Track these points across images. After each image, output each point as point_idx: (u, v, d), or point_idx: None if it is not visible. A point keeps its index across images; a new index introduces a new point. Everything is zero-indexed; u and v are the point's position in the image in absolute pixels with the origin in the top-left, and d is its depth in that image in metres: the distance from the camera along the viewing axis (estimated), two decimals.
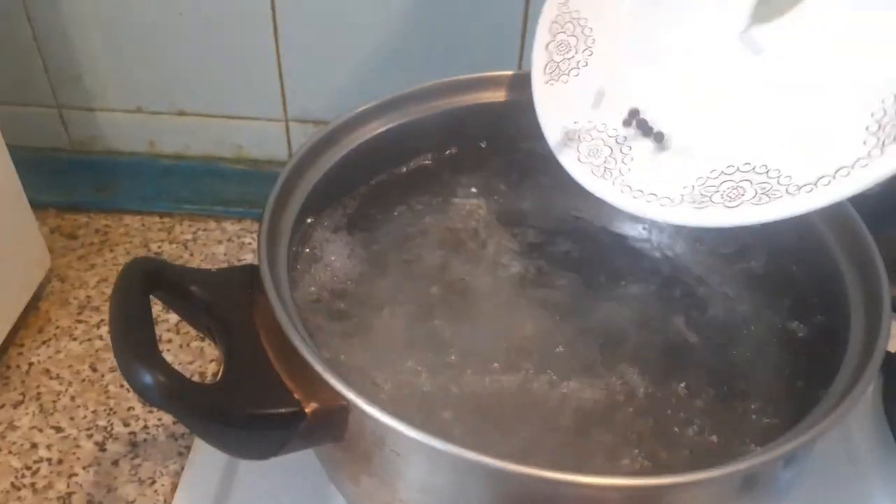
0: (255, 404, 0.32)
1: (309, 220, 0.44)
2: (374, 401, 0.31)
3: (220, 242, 0.69)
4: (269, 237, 0.38)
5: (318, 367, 0.32)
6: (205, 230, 0.70)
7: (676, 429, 0.40)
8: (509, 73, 0.51)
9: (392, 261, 0.46)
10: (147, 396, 0.30)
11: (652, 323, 0.45)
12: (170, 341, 0.59)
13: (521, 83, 0.49)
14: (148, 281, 0.35)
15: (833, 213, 0.43)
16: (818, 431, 0.32)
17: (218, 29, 0.65)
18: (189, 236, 0.69)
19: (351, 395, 0.31)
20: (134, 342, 0.31)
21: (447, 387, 0.39)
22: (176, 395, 0.31)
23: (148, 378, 0.30)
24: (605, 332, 0.43)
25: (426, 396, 0.39)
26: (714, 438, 0.39)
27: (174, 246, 0.68)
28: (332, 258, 0.44)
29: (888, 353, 0.50)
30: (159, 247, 0.68)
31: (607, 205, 0.41)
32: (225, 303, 0.36)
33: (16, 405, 0.54)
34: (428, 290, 0.45)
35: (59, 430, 0.53)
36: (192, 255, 0.67)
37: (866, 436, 0.51)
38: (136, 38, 0.66)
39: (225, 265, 0.66)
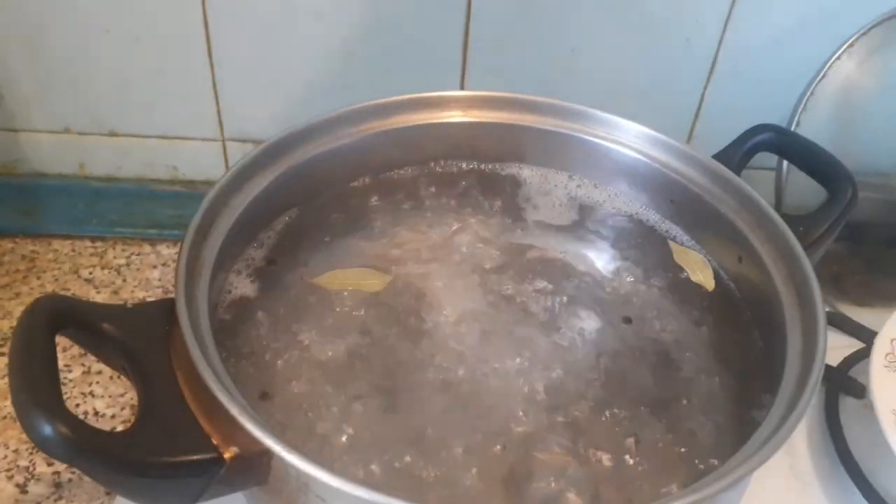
0: (170, 452, 0.31)
1: (235, 250, 0.42)
2: (294, 448, 0.29)
3: (154, 267, 0.66)
4: (188, 268, 0.36)
5: (235, 412, 0.30)
6: (139, 254, 0.67)
7: (613, 462, 0.39)
8: (450, 93, 0.50)
9: (319, 296, 0.44)
10: (48, 449, 0.28)
11: (591, 349, 0.44)
12: (99, 372, 0.56)
13: (459, 103, 0.49)
14: (54, 320, 0.32)
15: (768, 233, 0.43)
16: (764, 454, 0.32)
17: (149, 46, 0.63)
18: (122, 261, 0.66)
19: (270, 443, 0.29)
20: (33, 389, 0.29)
21: (374, 429, 0.37)
22: (80, 446, 0.28)
23: (48, 429, 0.28)
24: (538, 355, 0.42)
25: (354, 438, 0.37)
26: (652, 468, 0.38)
27: (106, 271, 0.65)
28: (255, 291, 0.42)
29: (828, 367, 0.51)
30: (90, 272, 0.65)
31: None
32: (140, 341, 0.34)
33: None
34: (358, 326, 0.43)
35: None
36: (125, 280, 0.65)
37: (810, 449, 0.51)
38: (61, 56, 0.63)
39: (159, 290, 0.64)
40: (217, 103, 0.66)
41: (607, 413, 0.39)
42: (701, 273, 0.46)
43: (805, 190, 0.67)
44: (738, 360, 0.42)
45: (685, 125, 0.68)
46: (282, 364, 0.40)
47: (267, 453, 0.31)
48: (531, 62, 0.64)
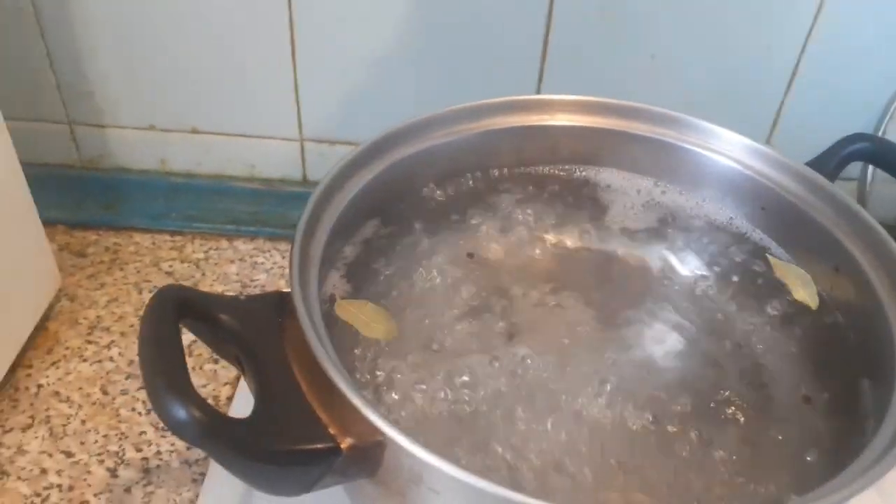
0: (291, 440, 0.31)
1: (339, 244, 0.43)
2: (414, 438, 0.30)
3: (232, 262, 0.67)
4: (300, 262, 0.37)
5: (356, 401, 0.30)
6: (216, 249, 0.69)
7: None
8: (542, 97, 0.51)
9: (425, 287, 0.45)
10: (182, 433, 0.29)
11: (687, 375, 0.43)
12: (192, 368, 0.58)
13: (550, 107, 0.49)
14: (178, 309, 0.33)
15: (868, 242, 0.43)
16: (870, 477, 0.31)
17: (232, 47, 0.64)
18: (201, 255, 0.68)
19: (391, 432, 0.30)
20: (167, 375, 0.30)
21: (483, 421, 0.38)
22: (212, 431, 0.29)
23: (183, 414, 0.29)
24: (644, 375, 0.42)
25: (462, 429, 0.38)
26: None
27: (186, 265, 0.67)
28: (364, 283, 0.42)
29: None
30: (170, 265, 0.67)
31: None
32: (255, 332, 0.35)
33: (25, 429, 0.53)
34: (463, 315, 0.43)
35: (69, 455, 0.51)
36: (203, 274, 0.66)
37: None
38: (148, 55, 0.65)
39: (237, 285, 0.65)
40: (298, 104, 0.68)
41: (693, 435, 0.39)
42: (804, 290, 0.45)
43: (887, 201, 0.66)
44: (842, 382, 0.42)
45: (763, 135, 0.68)
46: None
47: (381, 444, 0.31)
48: (609, 69, 0.65)
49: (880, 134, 0.62)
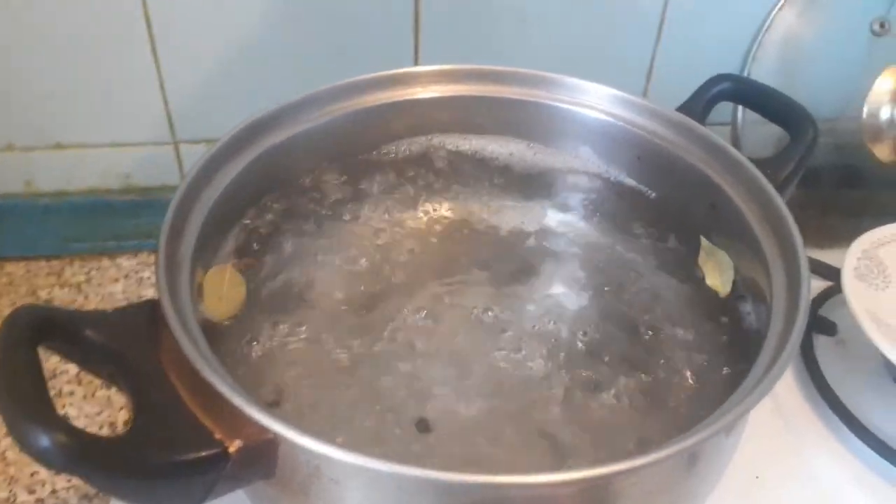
0: (173, 451, 0.30)
1: (211, 243, 0.41)
2: (305, 430, 0.28)
3: (116, 280, 0.64)
4: (167, 267, 0.35)
5: (238, 401, 0.29)
6: (98, 269, 0.65)
7: (612, 414, 0.39)
8: (410, 69, 0.50)
9: (303, 278, 0.43)
10: (47, 461, 0.27)
11: (575, 310, 0.44)
12: (72, 394, 0.54)
13: (419, 79, 0.48)
14: (35, 332, 0.31)
15: (738, 177, 0.44)
16: (760, 393, 0.32)
17: (90, 52, 0.60)
18: (82, 277, 0.64)
19: (279, 428, 0.29)
20: (24, 401, 0.27)
21: (371, 403, 0.37)
22: (81, 454, 0.27)
23: (45, 440, 0.26)
24: (528, 328, 0.43)
25: (353, 416, 0.37)
26: (651, 420, 0.39)
27: (66, 290, 0.63)
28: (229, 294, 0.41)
29: None
30: (49, 293, 0.63)
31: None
32: (126, 345, 0.33)
33: None
34: (343, 307, 0.42)
35: None
36: (86, 297, 0.63)
37: (790, 389, 0.53)
38: None
39: (124, 303, 0.61)
40: (166, 105, 0.64)
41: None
42: (719, 277, 0.44)
43: (759, 142, 0.69)
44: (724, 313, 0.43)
45: (639, 85, 0.69)
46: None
47: (273, 442, 0.30)
48: (482, 35, 0.64)
49: (746, 73, 0.64)
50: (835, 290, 0.58)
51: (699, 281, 0.45)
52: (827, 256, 0.60)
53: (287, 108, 0.45)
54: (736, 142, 0.65)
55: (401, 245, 0.47)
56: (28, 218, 0.67)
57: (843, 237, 0.65)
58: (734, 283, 0.43)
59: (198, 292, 0.39)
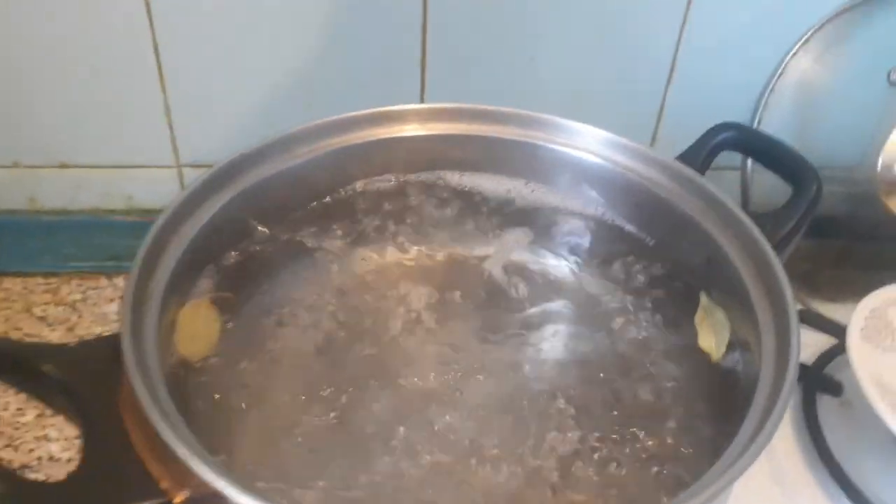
0: (114, 499, 0.29)
1: (187, 281, 0.40)
2: (248, 488, 0.27)
3: (111, 300, 0.64)
4: (133, 304, 0.34)
5: (183, 453, 0.28)
6: (95, 288, 0.65)
7: (597, 480, 0.37)
8: (406, 106, 0.49)
9: (280, 327, 0.42)
10: None
11: (561, 362, 0.42)
12: (54, 415, 0.54)
13: (416, 116, 0.48)
14: None
15: (736, 233, 0.42)
16: (741, 466, 0.30)
17: (98, 75, 0.61)
18: (78, 296, 0.64)
19: (220, 484, 0.28)
20: None
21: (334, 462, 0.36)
22: (16, 501, 0.26)
23: None
24: (505, 376, 0.41)
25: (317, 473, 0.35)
26: (634, 483, 0.37)
27: (61, 308, 0.63)
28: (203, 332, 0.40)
29: (803, 366, 0.50)
30: (43, 310, 0.62)
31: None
32: (84, 381, 0.32)
33: None
34: (319, 360, 0.41)
35: None
36: (80, 316, 0.62)
37: (789, 451, 0.50)
38: (6, 89, 0.61)
39: (117, 325, 0.61)
40: (171, 129, 0.65)
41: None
42: (713, 339, 0.42)
43: (771, 188, 0.67)
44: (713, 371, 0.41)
45: (649, 128, 0.68)
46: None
47: (217, 496, 0.29)
48: (490, 73, 0.64)
49: (758, 120, 0.63)
50: (842, 347, 0.56)
51: (692, 339, 0.43)
52: (838, 311, 0.58)
53: (272, 145, 0.44)
54: (745, 188, 0.63)
55: (385, 286, 0.46)
56: (29, 234, 0.67)
57: (856, 291, 0.63)
58: (728, 346, 0.41)
59: (171, 329, 0.39)
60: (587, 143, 0.49)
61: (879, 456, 0.50)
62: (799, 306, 0.57)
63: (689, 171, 0.45)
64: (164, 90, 0.62)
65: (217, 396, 0.38)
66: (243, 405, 0.38)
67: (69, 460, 0.51)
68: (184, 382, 0.38)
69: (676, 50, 0.63)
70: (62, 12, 0.58)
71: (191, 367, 0.39)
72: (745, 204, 0.64)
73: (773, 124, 0.64)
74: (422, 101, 0.65)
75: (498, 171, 0.50)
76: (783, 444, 0.51)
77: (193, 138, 0.65)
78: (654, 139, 0.68)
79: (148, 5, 0.57)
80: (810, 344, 0.56)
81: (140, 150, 0.66)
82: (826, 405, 0.53)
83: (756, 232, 0.41)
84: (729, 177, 0.66)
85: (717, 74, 0.64)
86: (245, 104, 0.63)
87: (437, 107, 0.48)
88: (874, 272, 0.58)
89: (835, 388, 0.54)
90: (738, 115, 0.65)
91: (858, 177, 0.65)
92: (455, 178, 0.51)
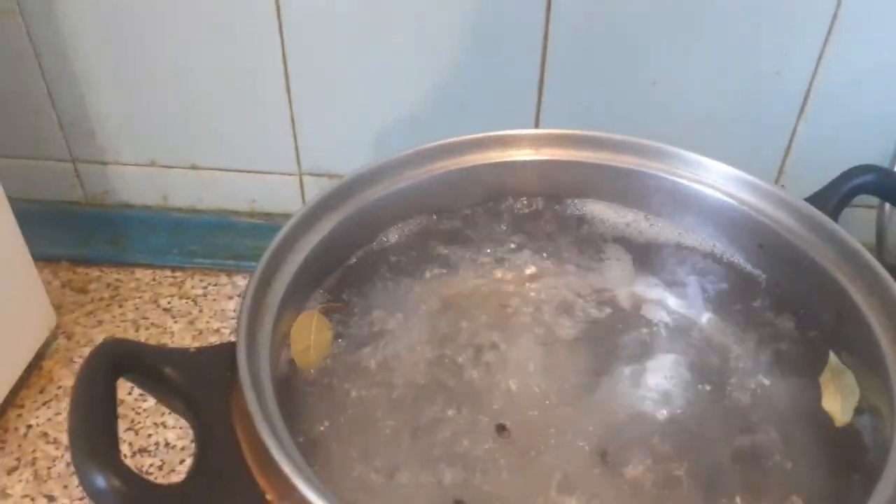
0: None
1: (302, 293, 0.41)
2: None
3: (230, 298, 0.67)
4: (251, 312, 0.36)
5: (287, 470, 0.29)
6: (216, 285, 0.68)
7: None
8: (520, 131, 0.49)
9: (397, 342, 0.43)
10: (100, 501, 0.28)
11: (670, 411, 0.41)
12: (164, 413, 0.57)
13: (530, 141, 0.47)
14: (117, 365, 0.32)
15: (870, 285, 0.39)
16: None
17: (229, 84, 0.64)
18: (199, 291, 0.68)
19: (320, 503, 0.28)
20: (90, 439, 0.29)
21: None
22: (133, 500, 0.28)
23: (101, 482, 0.28)
24: (622, 422, 0.40)
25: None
26: None
27: (184, 301, 0.66)
28: (316, 342, 0.41)
29: None
30: (169, 302, 0.66)
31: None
32: (201, 387, 0.34)
33: (10, 471, 0.52)
34: (435, 374, 0.41)
35: (51, 499, 0.51)
36: (201, 310, 0.66)
37: None
38: (147, 93, 0.65)
39: (234, 322, 0.64)
40: (295, 139, 0.67)
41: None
42: (839, 403, 0.39)
43: None
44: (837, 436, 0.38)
45: (774, 163, 0.64)
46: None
47: None
48: (609, 97, 0.62)
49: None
50: None
51: (815, 400, 0.40)
52: None
53: (391, 164, 0.45)
54: (881, 234, 0.59)
55: (494, 311, 0.46)
56: (161, 230, 0.72)
57: None
58: (856, 411, 0.38)
59: (284, 340, 0.40)
60: (712, 178, 0.47)
61: None
62: None
63: (820, 216, 0.43)
64: (290, 103, 0.65)
65: (327, 407, 0.39)
66: (346, 424, 0.38)
67: (183, 448, 0.54)
68: (295, 392, 0.40)
69: (813, 78, 0.59)
70: (202, 27, 0.61)
71: (302, 378, 0.40)
72: (879, 246, 0.60)
73: None
74: (536, 124, 0.64)
75: (615, 200, 0.49)
76: None
77: (315, 149, 0.68)
78: (780, 174, 0.64)
79: (280, 27, 0.60)
80: None
81: (265, 157, 0.69)
82: None
83: (892, 284, 0.38)
84: (862, 216, 0.62)
85: (856, 107, 0.60)
86: (365, 122, 0.65)
87: (552, 133, 0.48)
88: None
89: None
90: (878, 153, 0.61)
91: None
92: (571, 205, 0.50)
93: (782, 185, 0.63)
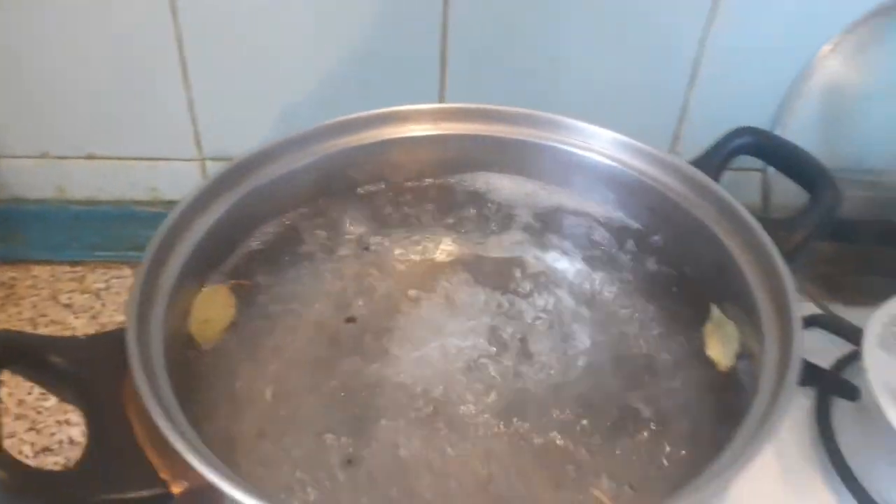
0: (115, 488, 0.30)
1: (198, 274, 0.41)
2: (239, 484, 0.28)
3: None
4: (141, 297, 0.35)
5: (178, 446, 0.29)
6: (119, 277, 0.66)
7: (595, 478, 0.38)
8: (418, 106, 0.49)
9: (286, 321, 0.43)
10: None
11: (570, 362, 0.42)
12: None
13: (429, 116, 0.48)
14: (1, 356, 0.31)
15: (747, 240, 0.42)
16: (735, 469, 0.30)
17: (123, 69, 0.62)
18: (102, 285, 0.66)
19: (213, 477, 0.28)
20: None
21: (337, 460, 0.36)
22: (19, 488, 0.27)
23: None
24: (507, 373, 0.41)
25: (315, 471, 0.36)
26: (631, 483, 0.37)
27: (85, 296, 0.65)
28: (216, 317, 0.41)
29: (820, 369, 0.50)
30: (69, 297, 0.64)
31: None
32: (91, 373, 0.33)
33: None
34: (323, 356, 0.42)
35: None
36: (104, 304, 0.64)
37: (801, 454, 0.50)
38: (37, 81, 0.63)
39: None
40: (194, 123, 0.66)
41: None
42: (721, 348, 0.42)
43: (796, 192, 0.66)
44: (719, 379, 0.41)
45: (670, 129, 0.67)
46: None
47: (215, 489, 0.30)
48: (511, 74, 0.63)
49: (782, 123, 0.62)
50: (859, 353, 0.55)
51: (700, 347, 0.42)
52: (859, 315, 0.57)
53: (286, 143, 0.44)
54: (766, 192, 0.62)
55: (396, 282, 0.46)
56: (58, 224, 0.69)
57: (879, 296, 0.62)
58: (737, 356, 0.41)
59: (184, 316, 0.39)
60: (603, 146, 0.49)
61: (891, 461, 0.49)
62: (819, 311, 0.56)
63: (701, 176, 0.45)
64: (187, 85, 0.63)
65: (223, 383, 0.38)
66: (247, 394, 0.38)
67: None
68: (194, 367, 0.39)
69: (701, 50, 0.62)
70: (90, 9, 0.59)
71: (200, 351, 0.40)
72: (765, 208, 0.63)
73: (799, 127, 0.63)
74: (441, 101, 0.65)
75: (513, 172, 0.50)
76: (796, 447, 0.51)
77: (216, 133, 0.66)
78: (676, 141, 0.67)
79: (174, 7, 0.58)
80: (829, 348, 0.55)
81: (164, 143, 0.67)
82: (842, 409, 0.52)
83: (766, 239, 0.40)
84: (752, 179, 0.65)
85: (742, 76, 0.63)
86: (267, 102, 0.64)
87: (449, 107, 0.48)
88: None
89: (851, 393, 0.52)
90: (763, 117, 0.64)
91: (887, 181, 0.64)
92: (469, 178, 0.51)
93: (678, 152, 0.66)
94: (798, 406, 0.52)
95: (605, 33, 0.61)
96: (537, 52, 0.62)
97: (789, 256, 0.41)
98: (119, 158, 0.68)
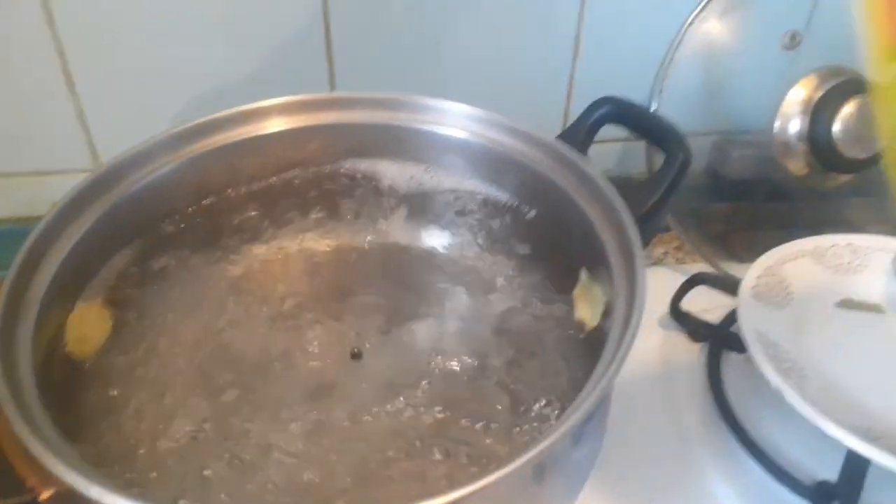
0: None
1: (72, 286, 0.42)
2: (103, 483, 0.29)
3: None
4: (6, 311, 0.36)
5: (35, 451, 0.30)
6: None
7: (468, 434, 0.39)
8: (267, 102, 0.50)
9: (163, 331, 0.44)
10: None
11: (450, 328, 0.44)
12: None
13: (281, 111, 0.49)
14: None
15: (604, 206, 0.44)
16: (593, 401, 0.32)
17: (10, 83, 0.61)
18: None
19: (73, 479, 0.29)
20: None
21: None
22: None
23: None
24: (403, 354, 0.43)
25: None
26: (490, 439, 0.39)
27: None
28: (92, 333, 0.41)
29: (709, 324, 0.52)
30: None
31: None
32: None
33: None
34: (201, 364, 0.43)
35: None
36: None
37: (695, 414, 0.52)
38: None
39: None
40: (87, 133, 0.65)
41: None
42: (589, 310, 0.44)
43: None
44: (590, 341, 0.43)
45: (561, 106, 0.69)
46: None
47: (75, 491, 0.31)
48: (398, 58, 0.64)
49: (659, 89, 0.64)
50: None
51: (568, 311, 0.45)
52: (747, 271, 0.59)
53: (150, 148, 0.45)
54: (650, 158, 0.65)
55: (279, 280, 0.48)
56: None
57: (765, 251, 0.65)
58: (603, 315, 0.43)
59: (60, 332, 0.40)
60: (478, 126, 0.50)
61: (772, 409, 0.51)
62: (710, 269, 0.59)
63: (562, 147, 0.47)
64: (74, 96, 0.63)
65: (103, 396, 0.39)
66: (122, 405, 0.39)
67: None
68: (77, 382, 0.40)
69: (579, 23, 0.64)
70: None
71: (82, 368, 0.40)
72: (650, 174, 0.66)
73: (680, 92, 0.65)
74: (332, 88, 0.65)
75: (371, 157, 0.51)
76: (687, 399, 0.53)
77: (110, 141, 0.66)
78: (566, 116, 0.69)
79: (50, 16, 0.58)
80: (719, 305, 0.57)
81: (57, 154, 0.66)
82: (731, 362, 0.55)
83: (617, 200, 0.42)
84: (637, 147, 0.68)
85: (621, 47, 0.65)
86: (159, 106, 0.64)
87: (299, 99, 0.49)
88: (784, 232, 0.60)
89: (738, 345, 0.55)
90: (645, 85, 0.66)
91: (765, 140, 0.67)
92: (354, 166, 0.52)
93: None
94: (695, 363, 0.55)
95: (484, 15, 0.63)
96: (423, 36, 0.63)
97: (648, 214, 0.43)
98: (13, 175, 0.67)
